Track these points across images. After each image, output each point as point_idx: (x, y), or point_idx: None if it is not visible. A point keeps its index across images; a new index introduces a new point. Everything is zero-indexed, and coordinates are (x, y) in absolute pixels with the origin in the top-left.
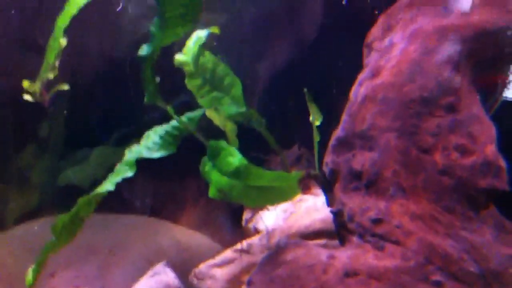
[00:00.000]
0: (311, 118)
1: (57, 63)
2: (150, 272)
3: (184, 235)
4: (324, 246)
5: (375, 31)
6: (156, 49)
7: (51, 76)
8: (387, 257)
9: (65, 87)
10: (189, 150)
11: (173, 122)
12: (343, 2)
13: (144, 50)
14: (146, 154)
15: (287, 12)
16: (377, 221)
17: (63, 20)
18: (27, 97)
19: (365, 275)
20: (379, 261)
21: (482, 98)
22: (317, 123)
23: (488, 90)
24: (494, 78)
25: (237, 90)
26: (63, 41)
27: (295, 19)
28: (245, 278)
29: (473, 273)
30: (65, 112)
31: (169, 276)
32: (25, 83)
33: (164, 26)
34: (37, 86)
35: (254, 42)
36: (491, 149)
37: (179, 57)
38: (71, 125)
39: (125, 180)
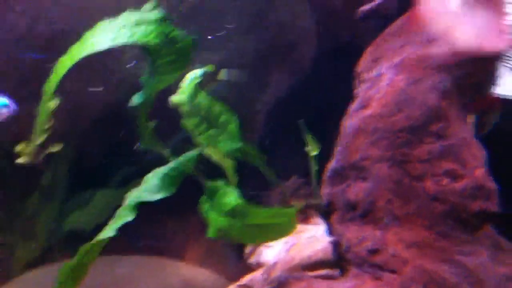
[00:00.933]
0: (307, 149)
1: (47, 126)
2: None
3: (190, 271)
4: (325, 277)
5: (363, 62)
6: (148, 96)
7: (42, 139)
8: (385, 286)
9: (56, 148)
10: (190, 188)
11: (172, 164)
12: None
13: (137, 98)
14: (147, 197)
15: (282, 48)
16: (373, 251)
17: (51, 85)
18: (21, 160)
19: None
20: None
21: (477, 117)
22: (314, 153)
23: (483, 110)
24: (487, 99)
25: (233, 126)
26: (52, 104)
27: (290, 54)
28: None
29: None
30: (67, 159)
31: None
32: (19, 147)
33: (155, 74)
34: (29, 149)
35: (250, 77)
36: (481, 172)
37: (175, 98)
38: (74, 169)
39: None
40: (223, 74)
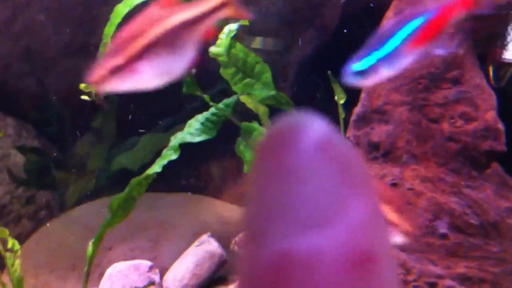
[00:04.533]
0: (336, 97)
1: None
2: (196, 243)
3: (226, 209)
4: None
5: (389, 15)
6: None
7: None
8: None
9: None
10: (228, 133)
11: (212, 109)
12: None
13: None
14: (189, 139)
15: (310, 6)
16: (392, 186)
17: (110, 28)
18: (84, 97)
19: None
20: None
21: (494, 71)
22: (342, 101)
23: (496, 63)
24: (498, 53)
25: (267, 76)
26: None
27: (318, 10)
28: None
29: (474, 225)
30: (116, 105)
31: (213, 245)
32: (82, 85)
33: None
34: (92, 88)
35: (282, 33)
36: (491, 115)
37: (213, 49)
38: (121, 116)
39: (173, 163)
40: (258, 43)
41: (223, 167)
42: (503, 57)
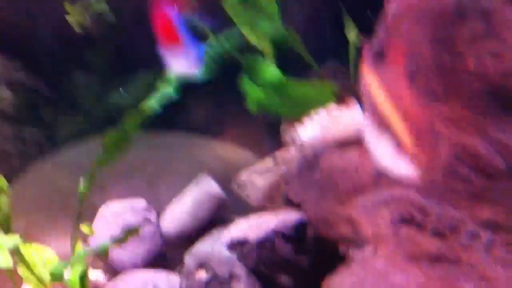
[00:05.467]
0: (347, 34)
1: None
2: (194, 182)
3: (226, 149)
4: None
5: None
6: None
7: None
8: (419, 155)
9: (103, 7)
10: (230, 69)
11: (213, 45)
12: None
13: None
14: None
15: None
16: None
17: None
18: (70, 19)
19: None
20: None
21: None
22: (353, 38)
23: None
24: None
25: (272, 7)
26: None
27: None
28: (283, 185)
29: (501, 169)
30: (111, 37)
31: (212, 185)
32: (68, 6)
33: None
34: (78, 10)
35: None
36: None
37: None
38: (116, 51)
39: (170, 102)
40: None
41: (221, 105)
42: None
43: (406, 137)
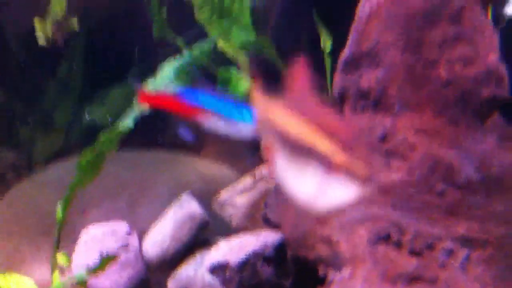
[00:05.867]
0: (321, 42)
1: (65, 3)
2: (175, 204)
3: (208, 167)
4: None
5: None
6: None
7: (60, 10)
8: (393, 172)
9: (74, 23)
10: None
11: (186, 56)
12: None
13: None
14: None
15: None
16: (383, 138)
17: None
18: (41, 41)
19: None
20: (386, 177)
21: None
22: (328, 46)
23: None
24: None
25: (246, 17)
26: None
27: None
28: (263, 204)
29: (475, 181)
30: (82, 51)
31: (193, 206)
32: (37, 22)
33: None
34: (48, 26)
35: None
36: (493, 58)
37: None
38: (89, 65)
39: (148, 117)
40: None
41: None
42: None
43: (339, 155)
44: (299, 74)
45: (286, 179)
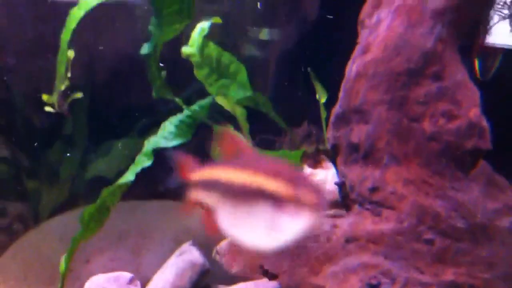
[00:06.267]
0: (317, 96)
1: (68, 74)
2: (177, 252)
3: None
4: (331, 215)
5: (366, 8)
6: (157, 46)
7: (63, 87)
8: (383, 222)
9: (79, 95)
10: (206, 135)
11: (186, 111)
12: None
13: (145, 48)
14: (163, 143)
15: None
16: (373, 190)
17: (66, 35)
18: (48, 108)
19: (363, 240)
20: (376, 226)
21: (480, 63)
22: (323, 100)
23: (480, 55)
24: (480, 44)
25: (243, 76)
26: (71, 53)
27: (295, 3)
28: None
29: (461, 229)
30: (86, 110)
31: (194, 254)
32: (44, 96)
33: (161, 24)
34: (54, 98)
35: (258, 27)
36: (475, 112)
37: (185, 49)
38: (93, 121)
39: (148, 168)
40: (264, 34)
41: None
42: (487, 42)
43: (286, 188)
44: (228, 137)
45: (235, 228)
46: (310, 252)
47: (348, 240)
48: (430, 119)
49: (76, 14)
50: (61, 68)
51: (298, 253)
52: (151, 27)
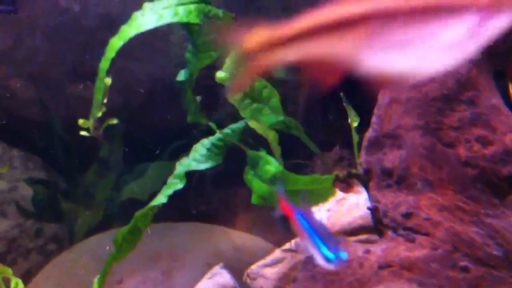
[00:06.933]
0: (349, 120)
1: (105, 101)
2: (208, 274)
3: (239, 237)
4: (363, 241)
5: None
6: (193, 73)
7: (100, 113)
8: (417, 248)
9: (114, 121)
10: (239, 159)
11: (218, 135)
12: None
13: (181, 75)
14: (195, 166)
15: None
16: (407, 215)
17: (105, 63)
18: (83, 132)
19: (397, 266)
20: (410, 252)
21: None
22: (355, 124)
23: None
24: None
25: (275, 101)
26: (108, 80)
27: None
28: (292, 276)
29: (497, 256)
30: (122, 133)
31: (225, 277)
32: (80, 121)
33: (197, 52)
34: (90, 123)
35: None
36: (510, 138)
37: (219, 74)
38: (128, 144)
39: (181, 191)
40: (282, 73)
41: (233, 194)
42: None
43: None
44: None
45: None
46: (342, 278)
47: (381, 267)
48: (465, 144)
49: (115, 44)
50: (98, 95)
51: (331, 279)
52: (187, 55)
